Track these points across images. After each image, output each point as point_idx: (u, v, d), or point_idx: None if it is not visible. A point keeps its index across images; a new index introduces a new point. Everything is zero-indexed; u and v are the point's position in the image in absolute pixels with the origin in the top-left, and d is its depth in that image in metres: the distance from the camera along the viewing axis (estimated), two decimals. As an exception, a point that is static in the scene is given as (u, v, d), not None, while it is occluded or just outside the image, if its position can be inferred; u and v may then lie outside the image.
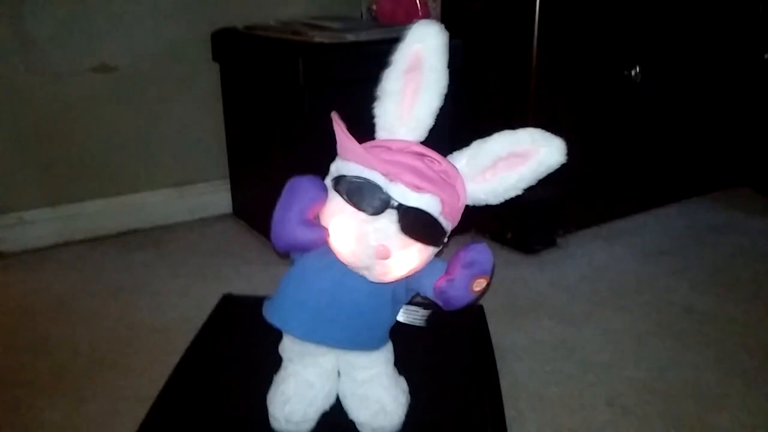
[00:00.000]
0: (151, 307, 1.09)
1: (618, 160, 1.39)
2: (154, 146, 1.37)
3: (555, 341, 0.98)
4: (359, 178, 0.61)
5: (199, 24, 1.34)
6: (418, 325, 0.74)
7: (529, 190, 0.67)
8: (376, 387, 0.71)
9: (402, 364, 0.75)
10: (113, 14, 1.27)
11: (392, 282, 0.65)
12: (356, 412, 0.71)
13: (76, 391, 0.88)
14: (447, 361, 0.86)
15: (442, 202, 0.62)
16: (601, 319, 1.05)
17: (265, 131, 1.25)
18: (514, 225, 1.30)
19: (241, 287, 1.02)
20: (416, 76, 0.64)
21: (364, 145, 0.63)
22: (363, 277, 0.64)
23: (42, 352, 0.97)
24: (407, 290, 0.70)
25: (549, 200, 1.28)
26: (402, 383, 0.74)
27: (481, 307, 0.97)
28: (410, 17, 1.30)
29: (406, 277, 0.66)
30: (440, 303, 0.67)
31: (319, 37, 1.15)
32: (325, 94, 1.11)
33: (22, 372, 0.92)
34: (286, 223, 0.62)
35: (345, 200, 0.61)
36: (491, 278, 0.67)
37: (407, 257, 0.62)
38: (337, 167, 0.65)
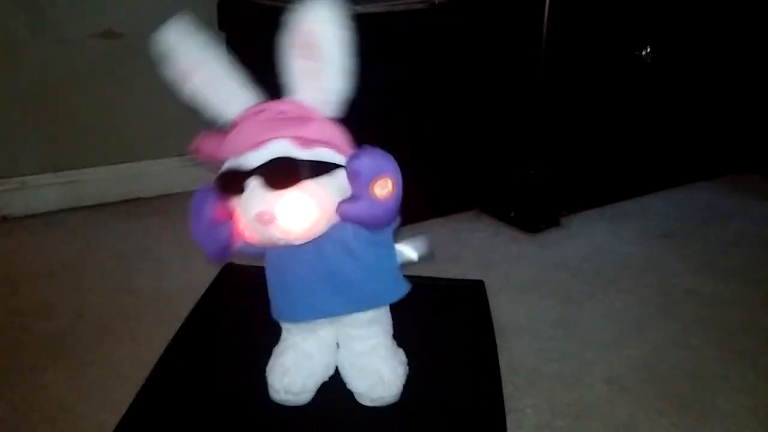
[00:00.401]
0: (154, 274, 1.09)
1: (625, 141, 1.38)
2: (158, 114, 1.36)
3: (555, 320, 0.99)
4: (220, 171, 0.63)
5: (205, -9, 1.33)
6: (425, 255, 0.72)
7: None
8: (374, 358, 0.71)
9: (401, 337, 0.76)
10: (120, -21, 1.26)
11: (331, 233, 0.63)
12: (355, 382, 0.71)
13: (79, 354, 0.88)
14: (446, 336, 0.87)
15: (291, 137, 0.60)
16: (602, 299, 1.05)
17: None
18: (517, 204, 1.29)
19: (242, 257, 1.02)
20: (313, 55, 0.61)
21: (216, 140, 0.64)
22: (304, 246, 0.63)
23: (46, 316, 0.97)
24: (355, 232, 0.66)
25: (553, 179, 1.27)
26: (400, 355, 0.74)
27: (482, 282, 0.97)
28: (420, -10, 1.28)
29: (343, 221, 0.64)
30: (361, 225, 0.65)
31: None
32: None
33: (27, 335, 0.93)
34: (198, 233, 0.65)
35: (221, 197, 0.64)
36: (393, 174, 0.62)
37: (296, 206, 0.60)
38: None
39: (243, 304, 0.91)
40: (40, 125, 1.28)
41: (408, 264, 0.72)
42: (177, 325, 0.85)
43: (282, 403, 0.71)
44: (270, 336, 0.74)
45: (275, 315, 0.71)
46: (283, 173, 0.60)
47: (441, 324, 0.89)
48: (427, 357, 0.78)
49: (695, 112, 1.47)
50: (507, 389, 0.78)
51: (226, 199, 0.64)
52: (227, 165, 0.63)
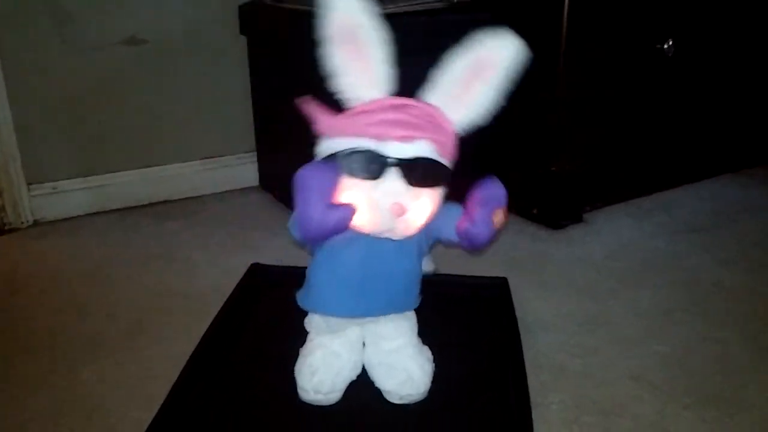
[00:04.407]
0: (182, 275, 1.11)
1: (648, 135, 1.37)
2: (182, 119, 1.39)
3: (580, 316, 0.99)
4: (352, 149, 0.61)
5: (227, -3, 1.35)
6: (428, 272, 0.75)
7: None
8: (402, 356, 0.72)
9: (426, 335, 0.76)
10: (144, -14, 1.29)
11: (414, 235, 0.66)
12: (383, 381, 0.72)
13: (112, 353, 0.91)
14: (470, 333, 0.87)
15: (435, 142, 0.63)
16: (627, 295, 1.04)
17: (292, 104, 1.26)
18: (540, 200, 1.29)
19: (268, 257, 1.04)
20: (354, 43, 0.62)
21: (342, 116, 0.63)
22: (387, 240, 0.65)
23: (79, 316, 1.00)
24: (428, 239, 0.70)
25: (576, 175, 1.27)
26: (427, 352, 0.75)
27: (505, 279, 0.97)
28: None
29: (426, 228, 0.66)
30: (465, 244, 0.68)
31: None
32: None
33: (62, 334, 0.95)
34: (315, 213, 0.60)
35: (347, 175, 0.61)
36: (506, 209, 0.68)
37: (422, 206, 0.63)
38: (326, 147, 0.64)
39: (270, 303, 0.92)
40: (68, 132, 1.31)
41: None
42: (206, 323, 0.86)
43: (311, 402, 0.72)
44: (297, 333, 0.76)
45: (303, 302, 0.71)
46: (428, 174, 0.63)
47: (465, 321, 0.90)
48: (452, 354, 0.79)
49: (718, 105, 1.45)
50: (533, 385, 0.78)
51: (350, 177, 0.62)
52: (358, 145, 0.61)
